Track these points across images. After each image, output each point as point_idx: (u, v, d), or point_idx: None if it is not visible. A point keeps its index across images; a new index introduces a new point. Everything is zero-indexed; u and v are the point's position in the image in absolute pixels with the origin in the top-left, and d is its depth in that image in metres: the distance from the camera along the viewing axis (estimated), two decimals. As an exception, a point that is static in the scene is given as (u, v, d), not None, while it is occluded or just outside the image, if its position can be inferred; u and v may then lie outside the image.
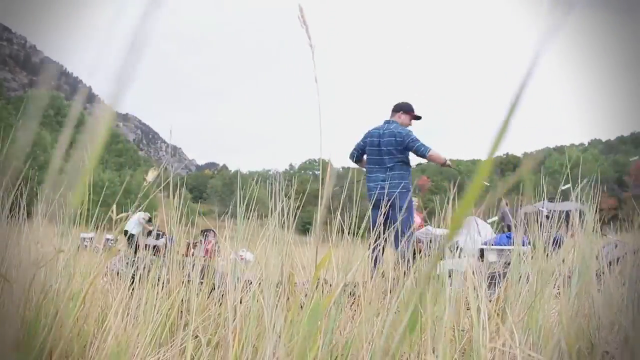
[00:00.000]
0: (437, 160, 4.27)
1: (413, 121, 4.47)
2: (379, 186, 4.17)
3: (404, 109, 4.46)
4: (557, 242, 1.29)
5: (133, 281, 1.41)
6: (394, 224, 1.79)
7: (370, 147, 4.32)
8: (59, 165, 0.33)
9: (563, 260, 1.15)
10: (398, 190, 3.99)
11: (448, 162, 4.32)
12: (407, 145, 4.19)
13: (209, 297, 1.49)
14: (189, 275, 1.46)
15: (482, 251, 3.60)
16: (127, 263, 1.65)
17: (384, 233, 1.63)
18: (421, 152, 4.16)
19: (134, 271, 1.46)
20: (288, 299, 1.33)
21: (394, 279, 1.39)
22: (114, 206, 1.20)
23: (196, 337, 1.27)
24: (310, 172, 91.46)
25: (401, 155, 4.23)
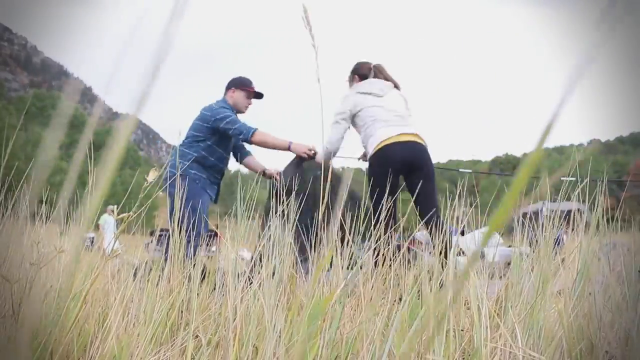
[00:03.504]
0: (269, 145, 3.26)
1: (254, 100, 3.51)
2: None
3: (235, 84, 3.47)
4: (557, 242, 1.29)
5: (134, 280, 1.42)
6: None
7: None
8: (54, 165, 0.33)
9: (563, 260, 1.15)
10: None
11: (308, 150, 3.23)
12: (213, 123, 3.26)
13: (209, 297, 1.49)
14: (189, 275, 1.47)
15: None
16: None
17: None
18: (240, 134, 3.20)
19: (135, 270, 1.47)
20: (288, 299, 1.33)
21: (394, 278, 1.39)
22: (115, 206, 1.20)
23: (196, 336, 1.27)
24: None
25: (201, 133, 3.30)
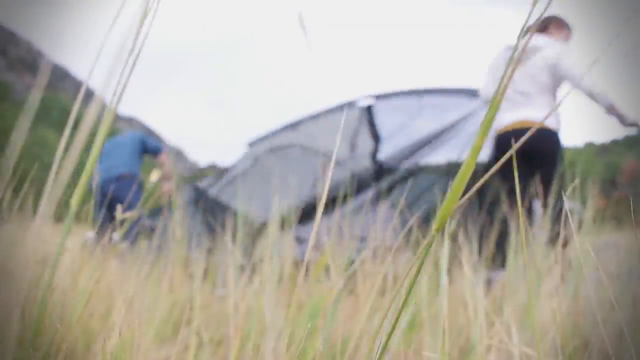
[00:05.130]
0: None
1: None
2: None
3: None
4: (552, 240, 1.31)
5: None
6: None
7: None
8: (60, 165, 0.35)
9: (559, 259, 1.16)
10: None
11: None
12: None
13: (210, 295, 1.51)
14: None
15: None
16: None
17: None
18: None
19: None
20: (289, 298, 1.34)
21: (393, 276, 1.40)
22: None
23: (198, 334, 1.29)
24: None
25: None
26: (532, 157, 2.46)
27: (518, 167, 2.41)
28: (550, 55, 2.58)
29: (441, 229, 0.38)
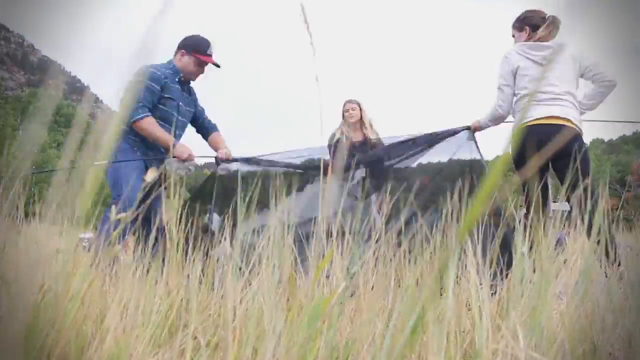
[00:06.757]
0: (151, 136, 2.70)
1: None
2: None
3: (187, 47, 2.86)
4: (559, 242, 1.29)
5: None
6: None
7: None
8: (64, 165, 0.32)
9: (565, 261, 1.14)
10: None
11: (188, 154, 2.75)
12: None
13: (208, 298, 1.48)
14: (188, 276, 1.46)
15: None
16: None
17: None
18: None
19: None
20: (288, 300, 1.32)
21: (395, 278, 1.38)
22: (113, 206, 1.19)
23: (195, 338, 1.26)
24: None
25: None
26: (558, 155, 2.51)
27: (542, 164, 2.50)
28: (574, 52, 2.65)
29: (464, 238, 0.35)
